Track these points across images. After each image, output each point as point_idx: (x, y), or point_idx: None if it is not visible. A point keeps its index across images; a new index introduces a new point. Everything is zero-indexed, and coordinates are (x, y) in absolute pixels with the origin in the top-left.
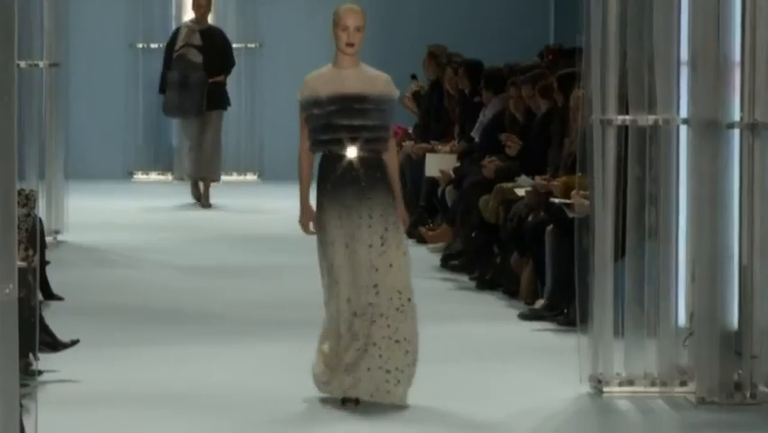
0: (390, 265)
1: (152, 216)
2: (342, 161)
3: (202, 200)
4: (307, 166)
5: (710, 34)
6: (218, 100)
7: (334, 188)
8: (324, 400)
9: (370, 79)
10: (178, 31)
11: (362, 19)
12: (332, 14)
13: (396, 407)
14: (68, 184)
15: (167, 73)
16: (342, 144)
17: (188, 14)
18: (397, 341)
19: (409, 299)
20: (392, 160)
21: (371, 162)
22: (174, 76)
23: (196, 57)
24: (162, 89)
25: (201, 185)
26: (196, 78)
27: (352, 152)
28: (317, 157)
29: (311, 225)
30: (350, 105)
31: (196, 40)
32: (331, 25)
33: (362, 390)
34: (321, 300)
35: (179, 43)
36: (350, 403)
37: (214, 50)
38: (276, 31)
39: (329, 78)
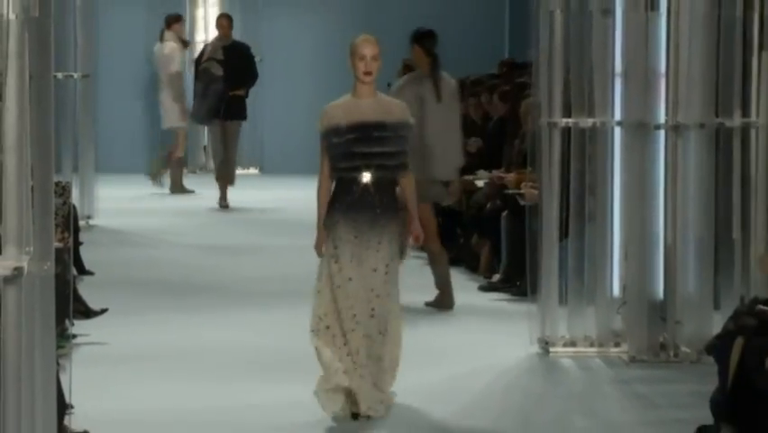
0: (388, 294)
1: (170, 203)
2: (358, 185)
3: (219, 201)
4: (326, 193)
5: (640, 50)
6: (237, 112)
7: (349, 209)
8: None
9: (387, 107)
10: (205, 47)
11: (377, 48)
12: (321, 34)
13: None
14: (98, 176)
15: (195, 85)
16: (360, 171)
17: (200, 32)
18: (379, 359)
19: (392, 324)
20: (410, 181)
21: (386, 188)
22: (198, 86)
23: (218, 70)
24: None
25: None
26: (215, 88)
27: (368, 178)
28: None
29: (324, 248)
30: (369, 133)
31: (219, 55)
32: (317, 43)
33: (363, 405)
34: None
35: (205, 58)
36: (363, 418)
37: (236, 65)
38: (274, 47)
39: (348, 108)
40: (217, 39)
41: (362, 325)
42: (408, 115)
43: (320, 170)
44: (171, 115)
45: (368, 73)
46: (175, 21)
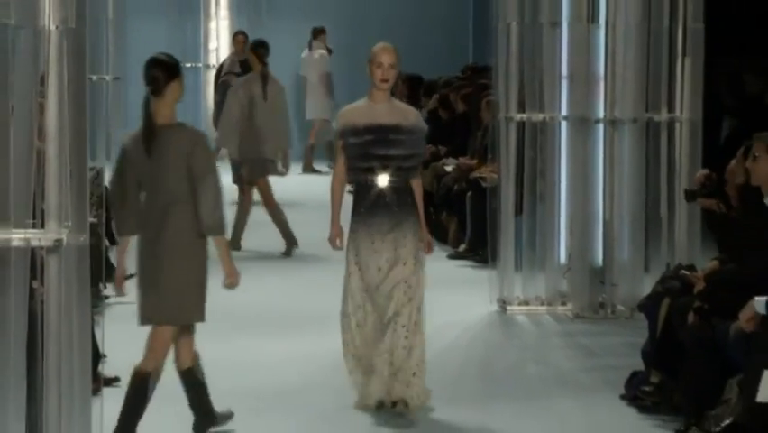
0: (417, 282)
1: None
2: (375, 188)
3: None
4: (339, 189)
5: (582, 57)
6: None
7: (368, 213)
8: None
9: (402, 112)
10: (224, 62)
11: (395, 57)
12: (307, 43)
13: None
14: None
15: (215, 96)
16: (375, 172)
17: (212, 41)
18: (408, 349)
19: (419, 309)
20: (419, 186)
21: (402, 189)
22: (218, 97)
23: (235, 82)
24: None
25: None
26: None
27: (384, 180)
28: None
29: (338, 240)
30: (385, 135)
31: (236, 68)
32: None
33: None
34: (310, 246)
35: (224, 71)
36: (394, 405)
37: None
38: (276, 54)
39: (364, 111)
40: (234, 54)
41: (396, 318)
42: (422, 122)
43: (334, 168)
44: (318, 108)
45: (384, 80)
46: (320, 32)
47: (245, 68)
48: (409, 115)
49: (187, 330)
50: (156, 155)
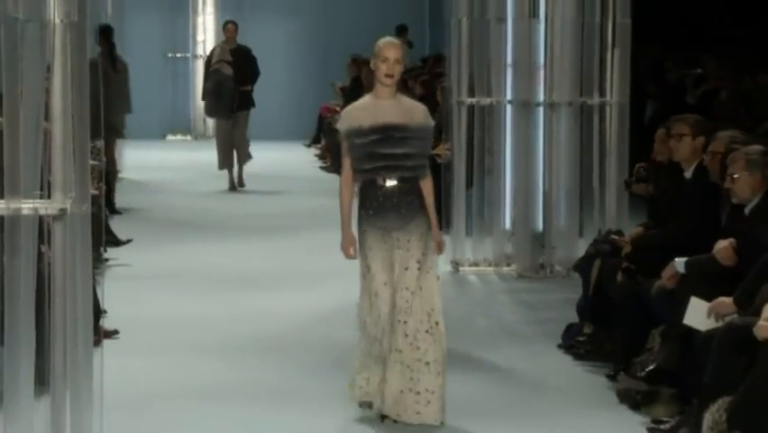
0: (421, 288)
1: (178, 161)
2: (383, 189)
3: (236, 182)
4: (348, 194)
5: (525, 48)
6: (245, 103)
7: (376, 214)
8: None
9: (409, 110)
10: (213, 50)
11: (401, 52)
12: (292, 34)
13: None
14: (126, 141)
15: (205, 84)
16: (382, 172)
17: (200, 34)
18: (426, 363)
19: (437, 323)
20: (429, 185)
21: (410, 190)
22: (209, 86)
23: (228, 70)
24: (203, 96)
25: (235, 169)
26: (228, 87)
27: (392, 181)
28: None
29: (351, 249)
30: (391, 134)
31: (227, 57)
32: (289, 41)
33: (391, 409)
34: (295, 214)
35: (215, 60)
36: (388, 420)
37: (242, 65)
38: (256, 45)
39: (369, 109)
40: (225, 42)
41: (404, 325)
42: (430, 119)
43: (342, 171)
44: None
45: (389, 75)
46: (404, 29)
47: (237, 57)
48: (416, 114)
49: None
50: None
